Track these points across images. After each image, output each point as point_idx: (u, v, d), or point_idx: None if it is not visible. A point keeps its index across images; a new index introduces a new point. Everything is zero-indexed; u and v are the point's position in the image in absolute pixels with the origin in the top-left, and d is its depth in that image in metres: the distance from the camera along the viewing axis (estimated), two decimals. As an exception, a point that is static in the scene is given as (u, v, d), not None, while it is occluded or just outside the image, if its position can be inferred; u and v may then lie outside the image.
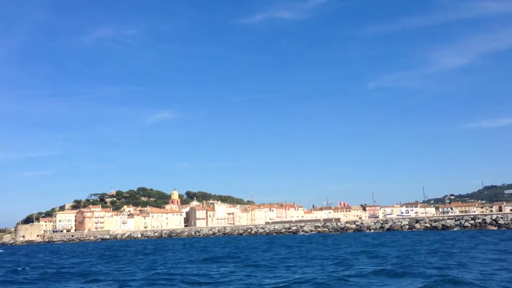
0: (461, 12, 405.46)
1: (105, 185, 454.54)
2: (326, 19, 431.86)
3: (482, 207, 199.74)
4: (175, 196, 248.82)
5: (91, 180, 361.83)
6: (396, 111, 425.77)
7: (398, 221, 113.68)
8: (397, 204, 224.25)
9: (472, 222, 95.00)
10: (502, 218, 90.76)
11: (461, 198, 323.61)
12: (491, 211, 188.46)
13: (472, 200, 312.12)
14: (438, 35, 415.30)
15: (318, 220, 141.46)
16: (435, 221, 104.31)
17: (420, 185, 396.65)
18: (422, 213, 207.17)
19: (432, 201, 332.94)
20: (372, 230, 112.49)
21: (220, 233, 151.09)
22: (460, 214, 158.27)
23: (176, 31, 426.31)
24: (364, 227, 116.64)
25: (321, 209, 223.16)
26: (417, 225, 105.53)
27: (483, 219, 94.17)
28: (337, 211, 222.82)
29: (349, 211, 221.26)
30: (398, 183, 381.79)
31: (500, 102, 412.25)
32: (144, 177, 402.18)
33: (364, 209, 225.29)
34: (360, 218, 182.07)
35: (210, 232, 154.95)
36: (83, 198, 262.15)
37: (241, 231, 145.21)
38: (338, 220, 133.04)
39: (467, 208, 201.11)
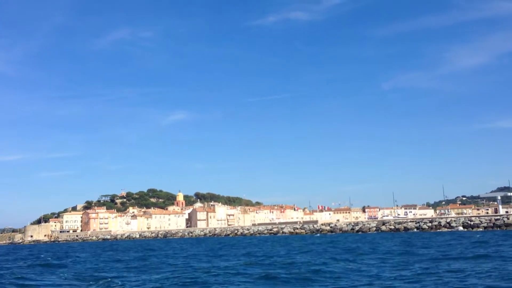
0: (477, 12, 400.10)
1: (119, 185, 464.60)
2: (340, 19, 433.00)
3: (478, 209, 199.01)
4: (180, 197, 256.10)
5: (106, 181, 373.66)
6: (410, 112, 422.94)
7: (367, 224, 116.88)
8: (396, 205, 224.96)
9: (430, 224, 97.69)
10: (454, 221, 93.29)
11: (473, 200, 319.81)
12: (487, 213, 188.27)
13: (483, 202, 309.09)
14: (454, 35, 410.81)
15: (297, 222, 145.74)
16: (399, 223, 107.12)
17: (436, 186, 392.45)
18: (420, 215, 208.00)
19: (444, 202, 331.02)
20: (343, 232, 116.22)
21: (211, 234, 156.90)
22: (455, 216, 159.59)
23: (192, 33, 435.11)
24: (337, 228, 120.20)
25: (321, 210, 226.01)
26: (383, 227, 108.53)
27: (439, 222, 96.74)
28: (337, 213, 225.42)
29: (349, 212, 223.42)
30: (410, 183, 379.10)
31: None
32: (157, 177, 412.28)
33: (364, 211, 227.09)
34: (356, 219, 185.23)
35: (202, 233, 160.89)
36: (95, 199, 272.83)
37: (228, 232, 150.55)
38: (315, 222, 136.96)
39: (464, 210, 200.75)
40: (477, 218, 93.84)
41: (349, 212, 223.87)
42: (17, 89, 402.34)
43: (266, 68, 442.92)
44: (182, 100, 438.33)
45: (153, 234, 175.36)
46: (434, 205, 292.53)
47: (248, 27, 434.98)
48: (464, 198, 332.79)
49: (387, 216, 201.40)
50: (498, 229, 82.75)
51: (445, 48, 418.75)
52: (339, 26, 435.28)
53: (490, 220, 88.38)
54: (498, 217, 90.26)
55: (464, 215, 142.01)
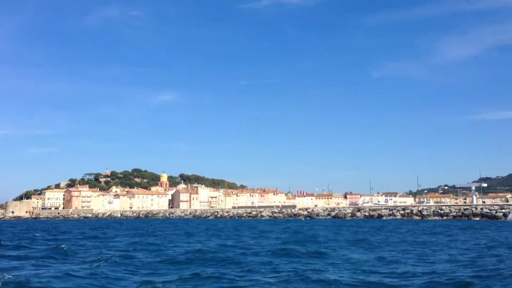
0: (469, 4, 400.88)
1: (104, 164, 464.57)
2: (332, 5, 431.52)
3: (456, 199, 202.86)
4: (163, 178, 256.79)
5: (91, 159, 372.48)
6: (398, 101, 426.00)
7: (344, 210, 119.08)
8: (377, 193, 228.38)
9: (402, 212, 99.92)
10: (426, 209, 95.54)
11: (454, 189, 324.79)
12: (465, 202, 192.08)
13: (464, 191, 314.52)
14: (445, 26, 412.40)
15: (274, 207, 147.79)
16: (373, 210, 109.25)
17: (418, 174, 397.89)
18: (400, 202, 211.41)
19: (426, 191, 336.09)
20: (321, 217, 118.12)
21: (191, 215, 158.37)
22: (433, 204, 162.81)
23: (182, 14, 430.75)
24: (314, 214, 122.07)
25: (303, 195, 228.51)
26: (358, 214, 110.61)
27: (411, 210, 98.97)
28: (319, 198, 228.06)
29: (330, 198, 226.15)
30: (395, 172, 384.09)
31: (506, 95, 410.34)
32: (143, 158, 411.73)
33: (345, 197, 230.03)
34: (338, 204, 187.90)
35: (183, 214, 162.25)
36: (79, 177, 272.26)
37: (208, 214, 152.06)
38: (293, 207, 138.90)
39: (443, 199, 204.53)
40: (447, 207, 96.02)
41: (330, 198, 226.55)
42: (3, 64, 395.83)
43: (256, 52, 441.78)
44: (171, 81, 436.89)
45: (135, 214, 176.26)
46: (416, 194, 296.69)
47: (240, 9, 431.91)
48: (446, 188, 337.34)
49: (367, 202, 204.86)
50: (466, 218, 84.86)
51: (436, 38, 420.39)
52: (330, 13, 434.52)
53: (459, 209, 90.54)
54: (467, 207, 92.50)
55: (440, 204, 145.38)
